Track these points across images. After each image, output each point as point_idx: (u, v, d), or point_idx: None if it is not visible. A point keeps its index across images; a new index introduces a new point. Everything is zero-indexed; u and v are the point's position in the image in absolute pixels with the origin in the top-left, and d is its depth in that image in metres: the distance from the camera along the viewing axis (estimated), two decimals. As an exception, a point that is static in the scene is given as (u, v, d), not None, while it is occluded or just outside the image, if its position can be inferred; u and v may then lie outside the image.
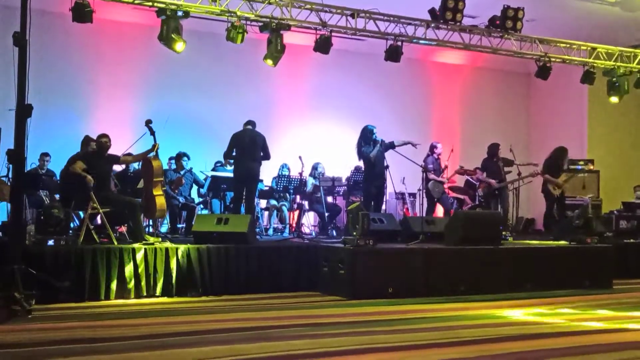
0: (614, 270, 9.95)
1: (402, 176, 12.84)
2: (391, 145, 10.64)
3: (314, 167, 12.11)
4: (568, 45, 12.31)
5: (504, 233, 10.55)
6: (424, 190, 11.30)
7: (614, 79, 12.77)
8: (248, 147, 10.05)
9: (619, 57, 12.63)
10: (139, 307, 7.34)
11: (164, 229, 11.25)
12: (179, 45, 9.75)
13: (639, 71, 12.75)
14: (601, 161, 14.91)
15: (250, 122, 10.27)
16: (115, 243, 8.16)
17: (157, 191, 8.71)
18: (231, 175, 10.66)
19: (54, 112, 11.88)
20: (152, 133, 8.77)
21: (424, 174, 10.25)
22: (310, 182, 11.96)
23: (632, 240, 11.63)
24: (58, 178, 10.22)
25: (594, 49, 12.43)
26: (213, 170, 11.85)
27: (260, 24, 10.25)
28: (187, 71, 13.12)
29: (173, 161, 11.55)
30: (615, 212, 12.84)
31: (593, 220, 10.61)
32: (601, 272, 9.75)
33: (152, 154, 8.73)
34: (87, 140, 9.39)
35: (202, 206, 11.66)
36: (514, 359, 5.04)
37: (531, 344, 5.65)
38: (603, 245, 10.19)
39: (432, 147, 12.00)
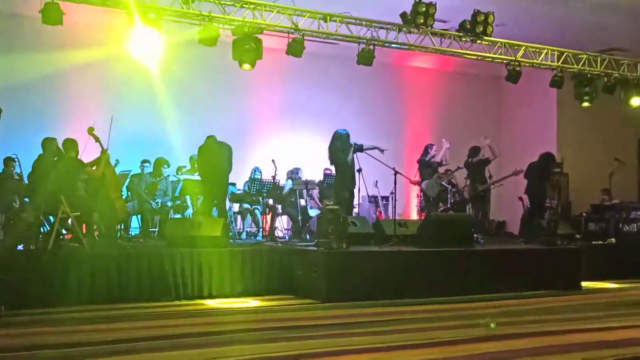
0: (583, 271, 10.11)
1: (374, 179, 12.88)
2: (360, 148, 10.69)
3: (294, 172, 12.11)
4: (537, 50, 12.46)
5: (476, 235, 10.65)
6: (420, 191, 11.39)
7: (583, 83, 12.95)
8: (216, 152, 10.21)
9: (586, 62, 12.82)
10: (111, 312, 7.25)
11: (135, 232, 11.17)
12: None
13: (605, 75, 12.95)
14: (570, 164, 15.14)
15: (211, 136, 10.42)
16: (87, 248, 8.08)
17: (115, 195, 8.73)
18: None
19: (20, 115, 11.68)
20: (97, 140, 8.76)
21: (396, 176, 10.28)
22: (289, 185, 11.96)
23: (600, 242, 11.82)
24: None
25: (562, 53, 12.60)
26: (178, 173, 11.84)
27: (233, 26, 10.22)
28: (157, 74, 12.99)
29: (147, 164, 11.47)
30: (584, 214, 13.04)
31: (563, 223, 10.77)
32: (570, 273, 9.90)
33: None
34: (48, 142, 9.25)
35: (173, 210, 11.58)
36: (488, 358, 5.09)
37: (505, 344, 5.71)
38: (572, 247, 10.35)
39: (426, 148, 12.13)
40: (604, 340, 5.90)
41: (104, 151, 8.78)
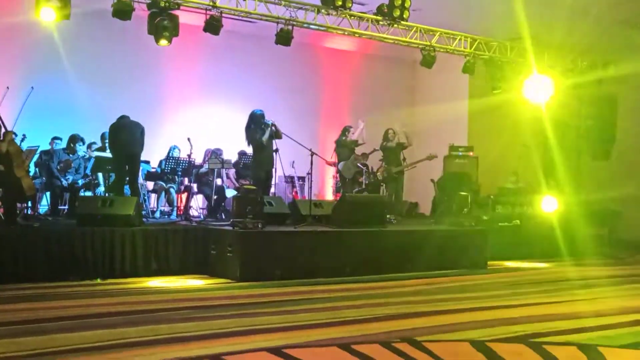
0: (489, 251, 10.52)
1: (291, 160, 12.93)
2: (279, 135, 10.78)
3: (216, 153, 12.02)
4: (451, 36, 12.77)
5: (389, 216, 10.88)
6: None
7: (495, 70, 13.37)
8: (127, 130, 10.12)
9: (497, 49, 13.23)
10: (18, 291, 7.04)
11: (44, 210, 10.84)
12: (47, 13, 9.13)
13: (515, 62, 13.40)
14: (480, 148, 15.61)
15: (123, 116, 10.31)
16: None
17: (20, 172, 8.48)
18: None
19: None
20: None
21: (312, 157, 10.38)
22: (207, 166, 11.90)
23: (506, 224, 12.29)
24: None
25: (474, 40, 12.96)
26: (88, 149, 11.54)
27: (149, 1, 9.98)
28: (70, 48, 12.56)
29: (58, 141, 11.11)
30: (491, 197, 13.51)
31: (471, 205, 11.15)
32: (477, 253, 10.28)
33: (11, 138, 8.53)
34: None
35: (84, 188, 11.29)
36: (397, 336, 5.25)
37: (413, 322, 5.90)
38: (480, 229, 10.74)
39: (344, 130, 12.30)
40: (508, 318, 6.17)
41: (8, 132, 8.51)
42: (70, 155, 10.87)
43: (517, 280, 9.14)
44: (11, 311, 5.98)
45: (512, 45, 13.34)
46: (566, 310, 6.69)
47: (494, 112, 16.07)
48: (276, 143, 10.73)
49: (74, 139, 10.96)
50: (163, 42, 10.18)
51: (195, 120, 13.89)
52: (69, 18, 9.41)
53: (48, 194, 10.85)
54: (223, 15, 10.51)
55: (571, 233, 12.53)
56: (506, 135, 16.02)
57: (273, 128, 10.54)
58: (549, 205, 12.84)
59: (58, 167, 10.64)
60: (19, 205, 9.08)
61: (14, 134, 9.19)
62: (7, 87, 8.68)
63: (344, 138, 12.57)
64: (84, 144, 11.13)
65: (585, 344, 5.10)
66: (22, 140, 10.11)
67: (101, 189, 11.16)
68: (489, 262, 10.39)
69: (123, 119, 10.19)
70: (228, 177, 12.60)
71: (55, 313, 5.93)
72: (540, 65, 13.52)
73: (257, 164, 10.82)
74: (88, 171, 11.19)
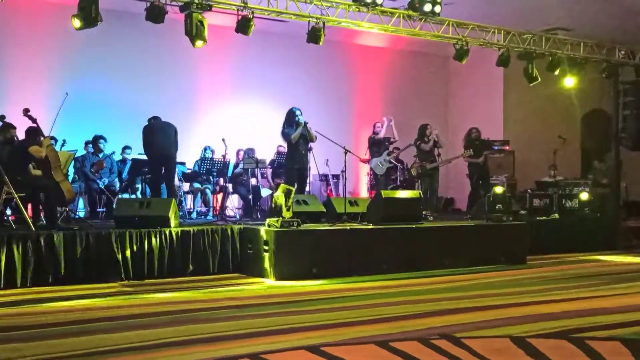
0: (527, 246, 10.39)
1: (325, 158, 12.94)
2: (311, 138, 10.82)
3: (248, 153, 12.10)
4: (484, 29, 12.61)
5: (424, 212, 10.81)
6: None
7: (531, 63, 13.17)
8: (161, 131, 10.26)
9: (531, 41, 13.04)
10: (59, 293, 7.16)
11: (82, 213, 11.01)
12: (78, 21, 9.28)
13: (550, 55, 13.20)
14: (516, 142, 15.45)
15: (155, 117, 10.41)
16: (33, 228, 7.93)
17: (59, 177, 8.60)
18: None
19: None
20: (34, 122, 8.61)
21: (346, 155, 10.37)
22: (241, 165, 11.98)
23: (544, 218, 12.13)
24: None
25: (508, 32, 12.79)
26: (122, 153, 11.71)
27: (181, 3, 10.05)
28: (104, 52, 12.76)
29: (90, 145, 11.29)
30: (529, 190, 13.34)
31: (508, 199, 11.01)
32: (516, 248, 10.16)
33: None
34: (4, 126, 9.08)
35: (121, 191, 11.44)
36: (435, 333, 5.21)
37: (450, 318, 5.84)
38: (517, 223, 10.61)
39: (374, 126, 12.40)
40: (549, 313, 6.09)
41: (45, 138, 8.66)
42: (99, 155, 11.05)
43: (557, 275, 9.00)
44: (52, 312, 6.08)
45: (547, 37, 13.13)
46: (608, 305, 6.57)
47: (530, 106, 15.92)
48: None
49: (96, 139, 11.19)
50: (199, 43, 10.24)
51: (229, 120, 13.99)
52: (100, 21, 9.49)
53: (86, 197, 11.02)
54: (255, 15, 10.53)
55: (611, 225, 12.32)
56: (542, 128, 15.85)
57: (304, 127, 10.55)
58: (588, 198, 12.64)
59: (91, 170, 10.82)
60: (59, 209, 9.23)
61: (54, 139, 9.35)
62: (67, 93, 8.82)
63: (372, 135, 12.60)
64: (106, 141, 11.29)
65: (629, 339, 5.00)
66: (62, 145, 10.29)
67: (138, 191, 11.29)
68: (527, 257, 10.25)
69: (155, 120, 10.29)
70: (264, 177, 12.67)
71: (96, 314, 6.01)
72: (576, 57, 13.28)
73: (289, 161, 10.88)
74: (125, 174, 11.35)
